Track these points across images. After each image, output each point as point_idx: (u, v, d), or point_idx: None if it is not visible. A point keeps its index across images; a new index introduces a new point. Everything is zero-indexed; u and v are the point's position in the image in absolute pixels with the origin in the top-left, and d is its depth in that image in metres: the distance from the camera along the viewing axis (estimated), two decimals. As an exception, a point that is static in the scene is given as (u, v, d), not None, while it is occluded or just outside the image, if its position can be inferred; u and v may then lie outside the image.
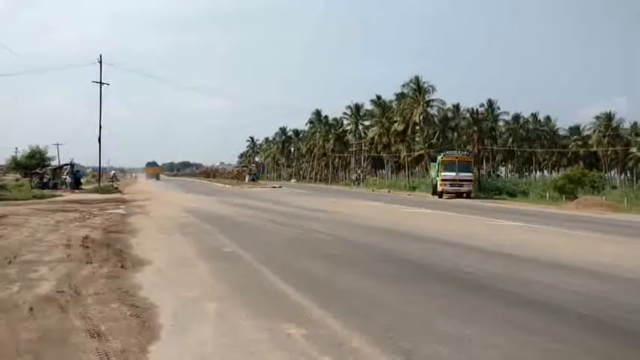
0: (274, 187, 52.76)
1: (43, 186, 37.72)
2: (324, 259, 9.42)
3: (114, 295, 6.38)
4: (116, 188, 38.67)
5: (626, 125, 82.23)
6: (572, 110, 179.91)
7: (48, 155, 58.08)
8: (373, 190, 51.48)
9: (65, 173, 41.64)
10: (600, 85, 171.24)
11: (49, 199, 26.69)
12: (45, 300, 6.07)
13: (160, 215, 18.59)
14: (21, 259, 8.82)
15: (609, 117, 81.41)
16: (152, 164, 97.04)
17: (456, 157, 37.84)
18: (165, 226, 14.80)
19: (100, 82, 40.38)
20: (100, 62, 40.25)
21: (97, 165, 46.37)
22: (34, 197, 27.17)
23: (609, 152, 79.42)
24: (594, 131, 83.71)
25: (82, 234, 12.21)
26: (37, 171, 43.78)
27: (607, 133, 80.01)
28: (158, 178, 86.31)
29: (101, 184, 42.37)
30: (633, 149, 76.16)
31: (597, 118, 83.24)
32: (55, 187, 38.03)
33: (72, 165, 43.05)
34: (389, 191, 49.14)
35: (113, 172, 54.58)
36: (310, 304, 6.02)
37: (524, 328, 5.27)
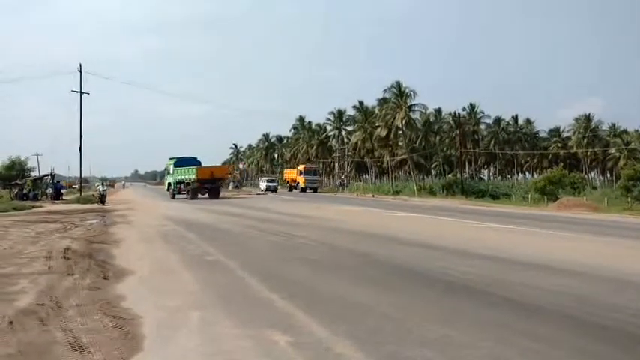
0: (258, 194, 52.60)
1: (23, 197, 37.21)
2: (308, 265, 9.42)
3: (96, 306, 6.30)
4: (101, 201, 32.92)
5: (605, 127, 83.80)
6: (550, 112, 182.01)
7: (28, 166, 57.43)
8: (357, 195, 51.59)
9: (46, 184, 41.10)
10: (576, 86, 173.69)
11: (30, 211, 26.33)
12: (25, 313, 5.97)
13: (142, 224, 18.43)
14: (0, 271, 8.67)
15: (588, 119, 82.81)
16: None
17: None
18: (147, 235, 14.68)
19: (80, 92, 40.01)
20: (80, 71, 39.90)
21: (78, 175, 45.85)
22: (14, 209, 26.75)
23: (589, 153, 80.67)
24: (574, 133, 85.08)
25: (64, 245, 12.05)
26: (16, 182, 43.18)
27: (586, 135, 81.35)
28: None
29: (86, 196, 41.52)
30: (612, 150, 77.45)
31: (576, 120, 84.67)
32: (35, 198, 37.51)
33: (52, 175, 42.52)
34: (373, 196, 49.29)
35: (100, 182, 42.73)
36: (295, 311, 6.01)
37: (506, 328, 5.32)
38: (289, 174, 66.10)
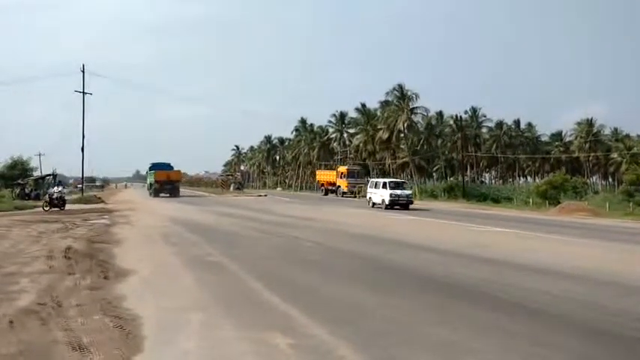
0: (260, 196, 52.61)
1: (25, 197, 37.21)
2: (309, 267, 9.40)
3: (97, 306, 6.29)
4: (52, 204, 26.23)
5: (607, 131, 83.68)
6: (553, 116, 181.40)
7: (30, 166, 57.31)
8: (359, 198, 51.49)
9: (47, 184, 41.10)
10: (579, 90, 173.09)
11: (31, 210, 26.33)
12: (26, 313, 5.96)
13: (144, 225, 18.42)
14: (1, 271, 8.67)
15: (590, 123, 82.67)
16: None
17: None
18: (149, 236, 14.67)
19: (83, 92, 40.07)
20: (83, 72, 39.98)
21: (81, 175, 45.92)
22: (16, 208, 26.78)
23: (591, 158, 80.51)
24: (576, 137, 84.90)
25: (65, 245, 12.04)
26: (18, 182, 43.17)
27: (588, 139, 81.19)
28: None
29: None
30: (614, 155, 77.33)
31: (578, 124, 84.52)
32: (37, 197, 37.49)
33: (54, 175, 42.53)
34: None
35: (57, 182, 34.35)
36: (296, 313, 5.99)
37: (508, 332, 5.30)
38: (325, 175, 57.37)
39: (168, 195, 46.48)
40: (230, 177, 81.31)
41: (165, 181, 47.67)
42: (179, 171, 52.42)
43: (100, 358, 4.53)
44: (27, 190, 39.27)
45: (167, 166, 49.02)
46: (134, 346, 4.86)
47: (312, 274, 8.83)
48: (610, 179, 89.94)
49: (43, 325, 5.50)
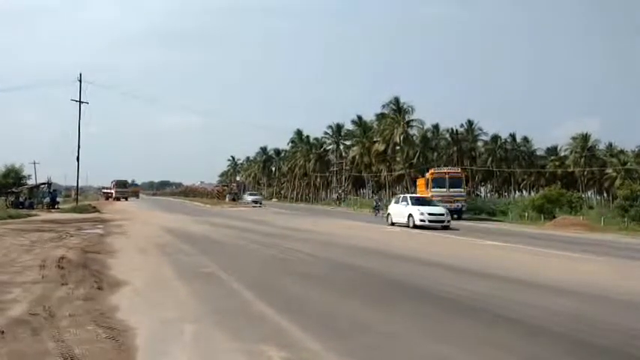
0: (255, 207, 52.52)
1: (19, 205, 37.01)
2: (304, 280, 9.36)
3: (89, 317, 6.23)
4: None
5: (602, 146, 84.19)
6: (546, 129, 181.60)
7: (24, 174, 57.02)
8: (354, 210, 51.50)
9: (42, 192, 40.92)
10: (574, 105, 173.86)
11: (25, 219, 26.17)
12: (17, 323, 5.89)
13: (138, 235, 18.33)
14: (-6, 280, 8.59)
15: (585, 138, 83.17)
16: (132, 185, 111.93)
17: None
18: (143, 247, 14.58)
19: (80, 101, 39.98)
20: (80, 81, 39.95)
21: (75, 184, 45.78)
22: (10, 217, 26.57)
23: (586, 173, 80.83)
24: (571, 152, 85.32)
25: (58, 254, 11.95)
26: (12, 190, 42.95)
27: (583, 154, 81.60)
28: (137, 197, 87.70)
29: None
30: (609, 170, 77.74)
31: (574, 139, 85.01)
32: (31, 206, 37.31)
33: (49, 184, 42.33)
34: (370, 210, 49.14)
35: None
36: (290, 326, 5.95)
37: (504, 348, 5.27)
38: (424, 186, 36.65)
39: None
40: (226, 187, 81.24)
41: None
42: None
43: (92, 369, 4.48)
44: (21, 199, 39.08)
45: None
46: (126, 357, 4.81)
47: (307, 286, 8.78)
48: (605, 194, 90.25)
49: (35, 335, 5.44)
